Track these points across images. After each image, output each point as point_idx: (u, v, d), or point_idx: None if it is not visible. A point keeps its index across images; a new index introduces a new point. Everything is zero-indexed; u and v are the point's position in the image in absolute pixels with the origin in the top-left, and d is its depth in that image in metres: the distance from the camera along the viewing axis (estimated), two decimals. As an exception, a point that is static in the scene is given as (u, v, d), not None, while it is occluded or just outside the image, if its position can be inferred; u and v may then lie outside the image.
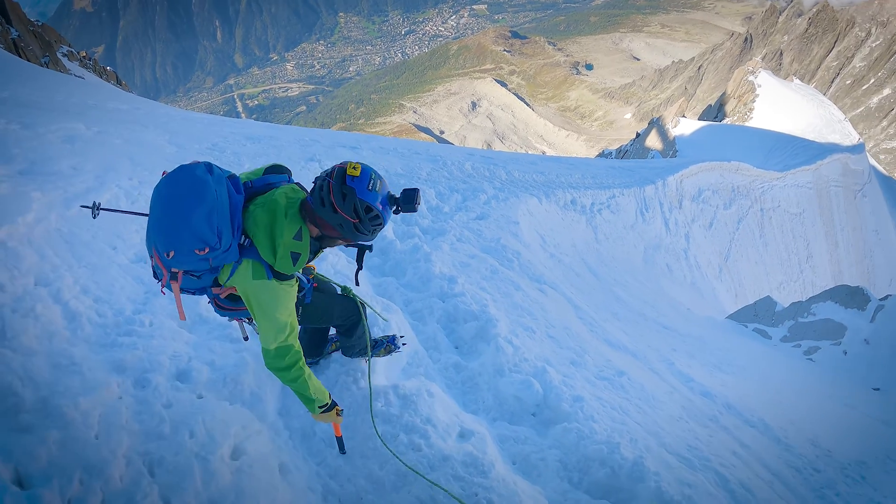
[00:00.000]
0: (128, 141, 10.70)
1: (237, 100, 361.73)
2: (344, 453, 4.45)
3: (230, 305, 3.70)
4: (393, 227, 9.62)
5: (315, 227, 3.40)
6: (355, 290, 4.86)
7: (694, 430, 6.60)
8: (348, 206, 3.21)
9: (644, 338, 10.81)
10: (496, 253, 9.96)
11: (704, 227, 29.66)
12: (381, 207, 3.33)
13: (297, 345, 3.50)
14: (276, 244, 3.24)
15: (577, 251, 14.86)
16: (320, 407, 3.77)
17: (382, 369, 5.42)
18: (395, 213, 3.48)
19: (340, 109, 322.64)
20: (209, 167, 3.20)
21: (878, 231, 50.85)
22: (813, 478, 7.37)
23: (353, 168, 3.22)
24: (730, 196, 34.05)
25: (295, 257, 3.29)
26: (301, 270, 3.84)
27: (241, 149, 12.33)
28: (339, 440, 4.34)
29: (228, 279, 3.38)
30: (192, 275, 3.36)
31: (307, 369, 3.60)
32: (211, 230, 3.05)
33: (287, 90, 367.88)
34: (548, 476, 4.83)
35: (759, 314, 20.50)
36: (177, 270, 3.28)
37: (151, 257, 3.30)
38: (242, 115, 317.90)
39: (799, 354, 18.12)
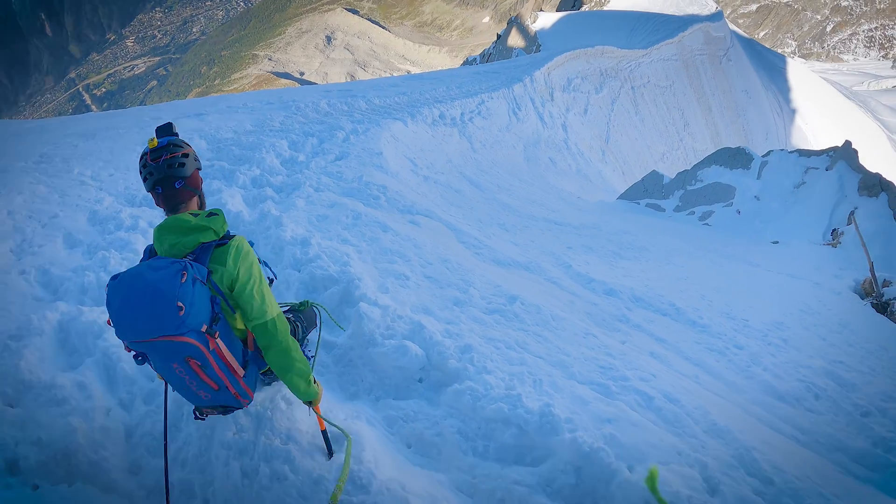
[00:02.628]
0: None
1: (83, 92, 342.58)
2: (332, 456, 3.77)
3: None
4: (242, 196, 8.50)
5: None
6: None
7: (604, 344, 5.75)
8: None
9: (536, 243, 10.05)
10: (359, 193, 8.97)
11: (580, 114, 29.23)
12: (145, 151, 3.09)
13: None
14: (200, 226, 3.06)
15: (454, 165, 13.91)
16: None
17: None
18: (154, 152, 3.06)
19: (193, 74, 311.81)
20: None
21: (748, 91, 51.79)
22: (737, 357, 6.76)
23: (152, 141, 3.06)
24: (599, 80, 33.65)
25: (219, 220, 3.16)
26: None
27: (71, 152, 10.74)
28: (325, 435, 3.77)
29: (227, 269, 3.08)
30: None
31: None
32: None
33: (133, 68, 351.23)
34: (449, 453, 3.98)
35: (648, 189, 20.19)
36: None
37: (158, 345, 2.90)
38: (93, 107, 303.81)
39: (694, 221, 17.94)
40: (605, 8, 64.00)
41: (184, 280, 2.81)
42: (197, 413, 3.44)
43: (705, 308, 8.36)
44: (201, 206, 3.33)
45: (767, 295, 10.45)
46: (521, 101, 23.26)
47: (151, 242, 3.18)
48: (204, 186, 3.44)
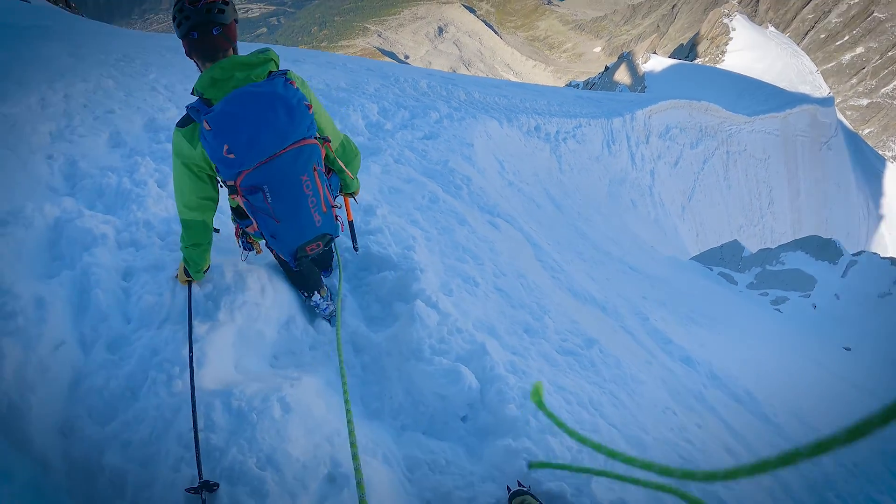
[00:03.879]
0: (17, 55, 8.67)
1: None
2: (357, 250, 4.40)
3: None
4: None
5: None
6: None
7: (682, 425, 4.79)
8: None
9: (612, 283, 9.11)
10: (441, 177, 8.11)
11: (670, 164, 28.02)
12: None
13: None
14: (261, 59, 3.00)
15: (539, 180, 12.97)
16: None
17: (223, 355, 3.54)
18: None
19: (303, 31, 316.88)
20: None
21: (840, 185, 49.72)
22: (812, 474, 5.83)
23: None
24: (697, 136, 32.38)
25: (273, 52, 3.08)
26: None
27: (155, 59, 10.22)
28: (352, 226, 4.28)
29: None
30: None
31: None
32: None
33: (247, 11, 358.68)
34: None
35: (725, 258, 19.01)
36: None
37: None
38: None
39: (766, 304, 16.68)
40: (718, 65, 62.15)
41: (295, 86, 2.94)
42: (299, 257, 3.43)
43: (779, 405, 7.42)
44: None
45: (836, 404, 9.54)
46: (618, 135, 22.23)
47: (195, 100, 3.06)
48: None
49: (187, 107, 2.98)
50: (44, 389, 3.07)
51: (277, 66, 3.07)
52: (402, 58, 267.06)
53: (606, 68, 63.34)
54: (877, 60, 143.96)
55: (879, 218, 52.59)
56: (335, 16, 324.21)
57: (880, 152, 62.03)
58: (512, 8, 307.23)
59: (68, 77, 7.60)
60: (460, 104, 13.35)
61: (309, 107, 2.96)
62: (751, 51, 64.39)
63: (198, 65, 3.05)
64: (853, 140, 59.68)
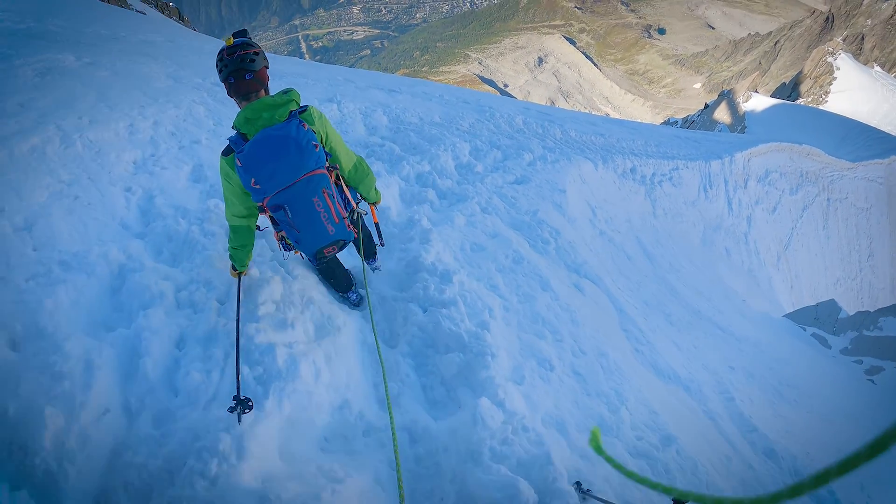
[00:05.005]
0: (116, 73, 8.97)
1: (301, 41, 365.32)
2: (382, 245, 5.39)
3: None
4: (399, 189, 7.65)
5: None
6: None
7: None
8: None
9: (699, 351, 8.63)
10: (528, 230, 7.78)
11: (768, 210, 26.80)
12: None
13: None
14: (284, 101, 3.70)
15: (632, 227, 12.51)
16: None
17: (266, 446, 3.37)
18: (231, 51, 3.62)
19: (405, 56, 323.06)
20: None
21: (947, 243, 46.95)
22: None
23: (229, 40, 3.62)
24: (797, 181, 30.98)
25: (295, 93, 3.81)
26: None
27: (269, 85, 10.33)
28: (378, 227, 5.23)
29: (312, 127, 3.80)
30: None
31: None
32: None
33: (352, 33, 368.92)
34: None
35: (819, 318, 17.96)
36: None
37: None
38: (306, 56, 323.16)
39: (860, 373, 15.61)
40: (821, 106, 59.94)
41: (305, 128, 3.61)
42: (318, 260, 4.23)
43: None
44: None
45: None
46: (715, 179, 21.37)
47: (234, 133, 3.74)
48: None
49: (229, 139, 3.71)
50: (83, 459, 3.03)
51: (298, 104, 3.77)
52: (501, 86, 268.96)
53: (706, 106, 61.89)
54: None
55: None
56: (437, 42, 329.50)
57: None
58: (612, 41, 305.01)
59: (161, 101, 7.69)
60: (556, 143, 13.02)
61: (316, 146, 3.65)
62: (856, 92, 61.97)
63: (237, 102, 3.74)
64: (964, 192, 56.54)
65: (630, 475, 1.77)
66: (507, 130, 12.64)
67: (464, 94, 16.85)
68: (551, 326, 5.72)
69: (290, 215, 3.75)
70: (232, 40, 3.61)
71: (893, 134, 51.02)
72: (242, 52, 3.57)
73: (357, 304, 5.19)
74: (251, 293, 4.49)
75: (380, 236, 5.29)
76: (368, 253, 5.45)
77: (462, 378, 4.39)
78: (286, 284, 4.75)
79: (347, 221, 4.05)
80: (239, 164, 3.58)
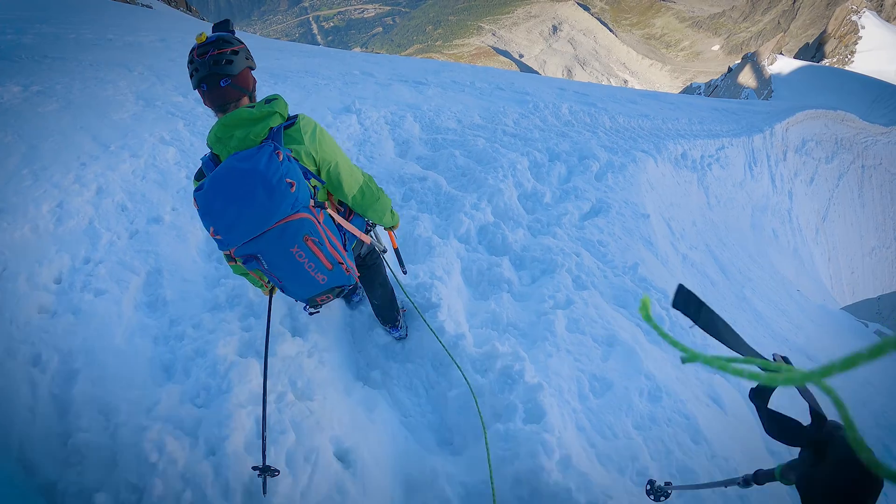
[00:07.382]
0: (68, 104, 7.69)
1: (312, 22, 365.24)
2: (405, 272, 4.55)
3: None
4: (462, 265, 5.83)
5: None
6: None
7: None
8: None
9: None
10: (633, 303, 5.58)
11: (806, 182, 25.37)
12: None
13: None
14: (264, 113, 2.86)
15: (699, 231, 10.90)
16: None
17: None
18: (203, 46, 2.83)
19: (417, 31, 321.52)
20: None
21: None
22: None
23: (200, 36, 2.83)
24: (832, 149, 29.40)
25: (280, 103, 2.96)
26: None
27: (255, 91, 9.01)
28: (398, 252, 4.41)
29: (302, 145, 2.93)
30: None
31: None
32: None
33: (363, 11, 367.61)
34: None
35: (882, 313, 16.42)
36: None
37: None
38: (318, 37, 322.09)
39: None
40: (847, 67, 57.66)
41: (281, 159, 2.68)
42: (310, 307, 3.33)
43: None
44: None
45: None
46: (759, 155, 19.79)
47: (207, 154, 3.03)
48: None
49: (202, 160, 3.01)
50: None
51: (284, 117, 2.94)
52: (516, 56, 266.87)
53: (730, 69, 59.65)
54: None
55: None
56: (449, 15, 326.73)
57: None
58: (627, 5, 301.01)
59: (114, 148, 6.60)
60: (608, 135, 11.52)
61: (292, 184, 2.69)
62: (882, 51, 59.66)
63: (215, 113, 2.95)
64: None
65: (674, 344, 1.39)
66: (555, 125, 11.19)
67: (494, 76, 15.41)
68: None
69: (265, 265, 2.91)
70: (204, 37, 2.81)
71: (926, 92, 48.97)
72: (216, 53, 2.78)
73: (400, 339, 4.69)
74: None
75: (401, 264, 4.44)
76: (387, 318, 4.58)
77: None
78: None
79: (348, 265, 3.14)
80: (196, 207, 2.77)
